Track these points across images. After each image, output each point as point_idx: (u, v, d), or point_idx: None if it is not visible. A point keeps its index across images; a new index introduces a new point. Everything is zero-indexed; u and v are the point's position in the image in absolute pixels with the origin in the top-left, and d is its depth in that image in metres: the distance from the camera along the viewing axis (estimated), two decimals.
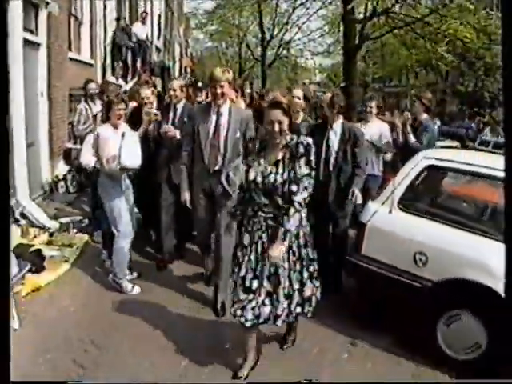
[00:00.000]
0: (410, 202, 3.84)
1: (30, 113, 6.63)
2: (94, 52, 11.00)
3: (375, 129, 5.70)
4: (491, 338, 3.40)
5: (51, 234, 5.49)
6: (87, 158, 4.43)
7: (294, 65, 30.23)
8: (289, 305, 3.15)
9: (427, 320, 3.63)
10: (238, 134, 3.94)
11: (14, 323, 3.49)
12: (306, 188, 2.98)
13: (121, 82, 10.98)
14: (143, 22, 13.62)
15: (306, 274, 3.19)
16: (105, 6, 12.07)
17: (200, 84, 10.13)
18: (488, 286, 3.31)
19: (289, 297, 3.14)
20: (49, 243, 5.20)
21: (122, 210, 4.28)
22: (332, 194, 4.46)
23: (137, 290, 4.39)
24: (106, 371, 3.23)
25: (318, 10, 20.08)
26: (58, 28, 7.71)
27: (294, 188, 2.97)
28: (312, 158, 3.03)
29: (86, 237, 5.51)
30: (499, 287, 3.17)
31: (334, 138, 4.51)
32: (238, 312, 3.12)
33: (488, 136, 13.82)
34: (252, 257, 3.11)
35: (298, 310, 3.22)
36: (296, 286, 3.16)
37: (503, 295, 2.60)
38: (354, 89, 12.43)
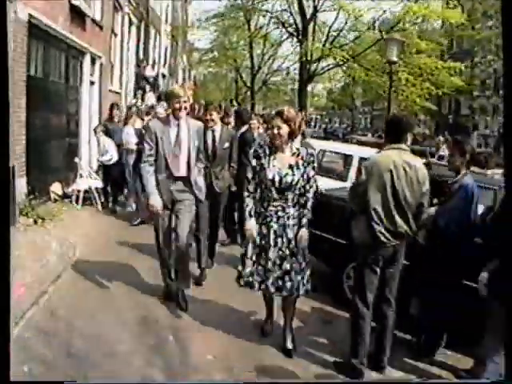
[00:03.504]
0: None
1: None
2: (121, 83, 15.69)
3: None
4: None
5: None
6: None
7: (278, 90, 33.76)
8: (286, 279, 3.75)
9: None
10: (197, 143, 4.30)
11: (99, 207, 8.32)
12: (312, 186, 3.74)
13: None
14: (152, 66, 18.09)
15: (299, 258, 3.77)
16: (128, 49, 16.87)
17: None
18: None
19: (286, 272, 3.73)
20: None
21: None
22: None
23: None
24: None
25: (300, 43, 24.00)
26: (104, 71, 12.32)
27: (307, 187, 3.71)
28: (316, 164, 3.81)
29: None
30: None
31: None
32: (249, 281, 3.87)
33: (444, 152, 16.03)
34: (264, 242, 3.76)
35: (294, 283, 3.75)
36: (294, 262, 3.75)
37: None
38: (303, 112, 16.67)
